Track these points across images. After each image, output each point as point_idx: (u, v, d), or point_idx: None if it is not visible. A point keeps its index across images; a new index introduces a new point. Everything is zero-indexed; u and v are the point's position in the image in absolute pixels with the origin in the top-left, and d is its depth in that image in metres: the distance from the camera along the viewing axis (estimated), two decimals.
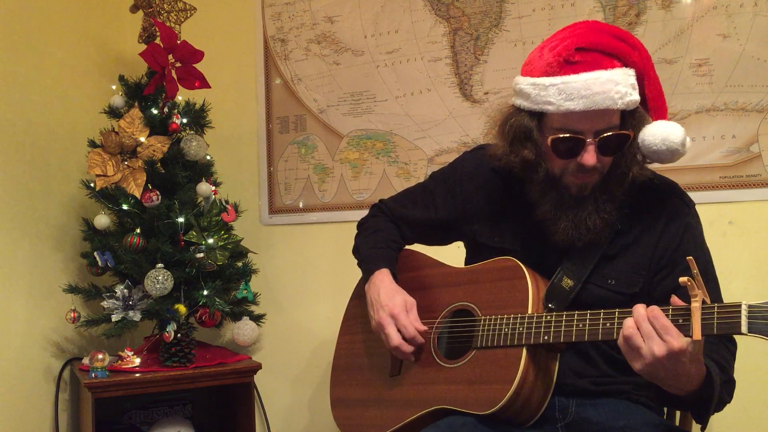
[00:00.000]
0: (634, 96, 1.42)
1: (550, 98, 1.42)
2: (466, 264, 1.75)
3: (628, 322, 1.27)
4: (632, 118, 1.45)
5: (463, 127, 2.54)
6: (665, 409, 1.67)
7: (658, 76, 2.28)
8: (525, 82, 1.48)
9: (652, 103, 1.46)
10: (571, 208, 1.49)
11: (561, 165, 1.49)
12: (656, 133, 1.42)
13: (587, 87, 1.38)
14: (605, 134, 1.43)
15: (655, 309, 1.25)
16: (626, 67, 1.43)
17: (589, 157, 1.43)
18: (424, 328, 1.62)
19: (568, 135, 1.44)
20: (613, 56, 1.42)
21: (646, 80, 1.45)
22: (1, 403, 2.26)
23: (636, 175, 1.48)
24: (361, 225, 1.91)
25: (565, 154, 1.46)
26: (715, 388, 1.31)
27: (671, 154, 1.44)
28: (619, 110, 1.43)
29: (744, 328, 1.18)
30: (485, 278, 1.59)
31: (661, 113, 1.46)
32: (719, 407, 1.39)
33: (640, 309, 1.27)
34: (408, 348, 1.61)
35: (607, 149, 1.45)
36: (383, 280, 1.69)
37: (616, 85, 1.39)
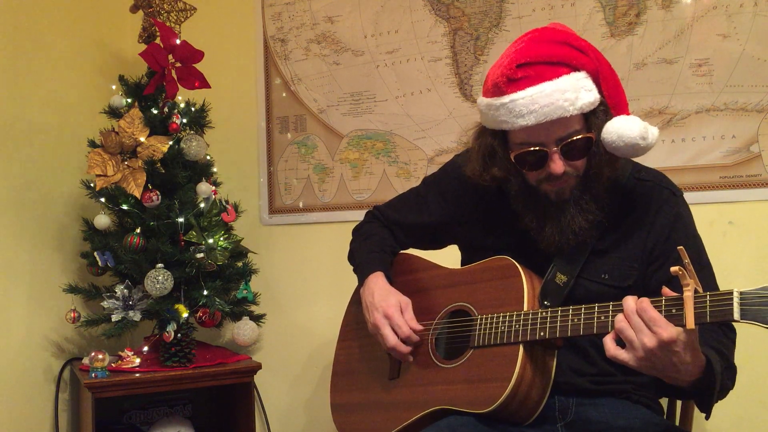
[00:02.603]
0: (588, 98, 1.42)
1: (502, 117, 1.44)
2: (462, 265, 1.75)
3: (619, 317, 1.28)
4: (595, 118, 1.45)
5: (463, 127, 2.54)
6: (665, 410, 1.67)
7: (658, 75, 2.29)
8: (482, 104, 1.50)
9: (610, 101, 1.46)
10: (554, 215, 1.50)
11: (534, 176, 1.50)
12: (611, 130, 1.42)
13: (534, 101, 1.39)
14: (567, 141, 1.44)
15: (644, 301, 1.26)
16: (576, 71, 1.42)
17: (556, 165, 1.44)
18: (419, 327, 1.62)
19: (530, 148, 1.45)
20: (558, 64, 1.42)
21: (601, 79, 1.45)
22: (1, 403, 2.27)
23: (609, 174, 1.48)
24: (356, 231, 1.92)
25: (532, 166, 1.48)
26: (716, 375, 1.31)
27: (631, 149, 1.42)
28: (578, 115, 1.43)
29: (737, 315, 1.18)
30: (481, 278, 1.60)
31: (620, 108, 1.45)
32: (722, 394, 1.39)
33: (629, 302, 1.28)
34: (404, 348, 1.62)
35: (573, 154, 1.45)
36: (377, 282, 1.70)
37: (563, 93, 1.39)
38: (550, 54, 1.42)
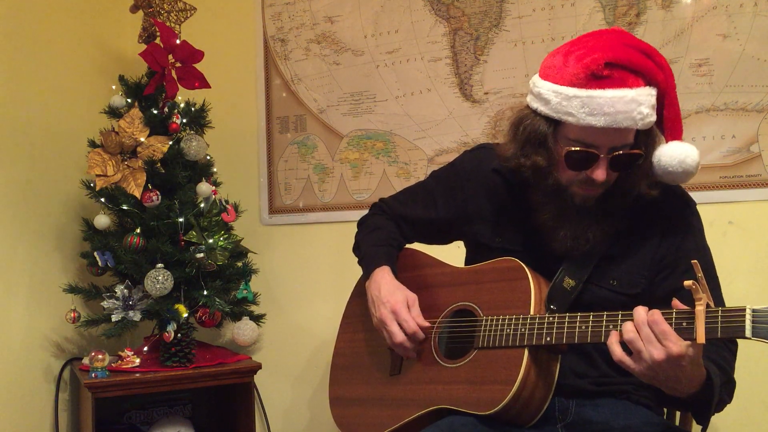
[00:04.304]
0: (653, 117, 1.42)
1: (571, 110, 1.40)
2: (466, 264, 1.75)
3: (628, 326, 1.28)
4: (646, 137, 1.45)
5: (463, 127, 2.54)
6: (665, 410, 1.67)
7: None
8: (546, 88, 1.45)
9: (668, 123, 1.45)
10: (572, 219, 1.49)
11: (570, 176, 1.48)
12: (674, 155, 1.43)
13: (612, 104, 1.37)
14: (619, 152, 1.42)
15: (656, 313, 1.26)
16: (649, 86, 1.41)
17: (601, 172, 1.43)
18: (426, 323, 1.62)
19: (583, 149, 1.43)
20: (639, 74, 1.40)
21: (667, 100, 1.44)
22: (1, 403, 2.26)
23: (644, 192, 1.48)
24: (362, 223, 1.91)
25: (577, 166, 1.45)
26: (714, 390, 1.32)
27: (685, 175, 1.44)
28: (635, 129, 1.42)
29: (748, 333, 1.18)
30: (487, 278, 1.59)
31: (676, 134, 1.45)
32: (719, 408, 1.39)
33: (641, 312, 1.28)
34: (410, 344, 1.61)
35: (618, 166, 1.44)
36: (384, 276, 1.69)
37: (639, 106, 1.38)
38: (635, 61, 1.40)
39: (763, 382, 2.14)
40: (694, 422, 1.62)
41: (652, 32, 2.28)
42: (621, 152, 1.42)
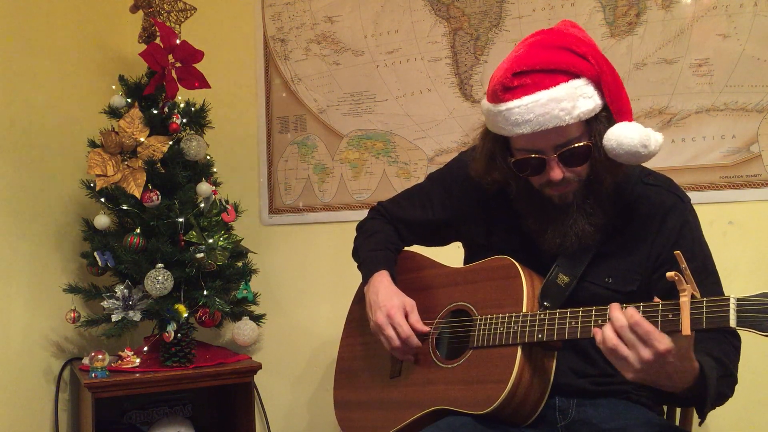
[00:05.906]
0: (587, 105, 1.40)
1: (500, 124, 1.43)
2: (464, 264, 1.75)
3: (608, 333, 1.26)
4: (596, 124, 1.43)
5: (463, 127, 2.54)
6: (665, 409, 1.67)
7: (658, 75, 2.29)
8: (484, 107, 1.49)
9: (613, 106, 1.43)
10: (556, 219, 1.49)
11: (536, 180, 1.50)
12: (611, 137, 1.39)
13: (529, 111, 1.38)
14: (565, 148, 1.42)
15: (635, 315, 1.24)
16: (575, 78, 1.40)
17: (554, 172, 1.44)
18: (425, 328, 1.62)
19: (529, 155, 1.45)
20: (556, 72, 1.39)
21: (603, 86, 1.42)
22: (1, 403, 2.26)
23: (611, 180, 1.47)
24: (360, 228, 1.92)
25: (532, 172, 1.47)
26: (709, 383, 1.31)
27: (632, 156, 1.39)
28: (577, 122, 1.41)
29: (733, 322, 1.18)
30: (481, 278, 1.60)
31: (623, 114, 1.42)
32: (719, 401, 1.39)
33: (619, 317, 1.26)
34: (406, 348, 1.61)
35: (572, 161, 1.44)
36: (382, 281, 1.70)
37: (559, 103, 1.37)
38: (548, 61, 1.40)
39: (763, 382, 2.13)
40: (694, 423, 1.62)
41: (652, 32, 2.28)
42: (567, 148, 1.42)
